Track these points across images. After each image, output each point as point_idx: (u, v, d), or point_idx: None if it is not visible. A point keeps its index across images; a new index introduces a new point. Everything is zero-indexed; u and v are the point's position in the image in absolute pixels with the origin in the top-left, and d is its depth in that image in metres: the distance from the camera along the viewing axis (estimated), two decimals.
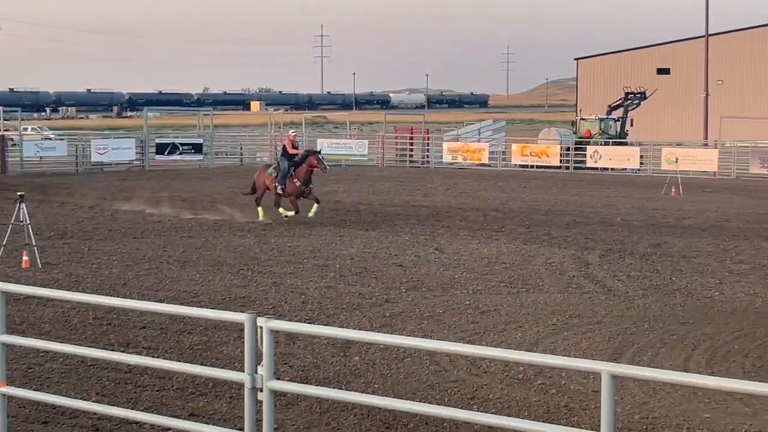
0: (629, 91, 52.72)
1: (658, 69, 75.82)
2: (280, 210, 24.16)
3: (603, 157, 46.97)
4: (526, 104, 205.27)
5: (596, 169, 46.43)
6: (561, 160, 47.57)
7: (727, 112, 55.76)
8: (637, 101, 52.52)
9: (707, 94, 56.25)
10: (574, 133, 51.21)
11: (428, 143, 50.79)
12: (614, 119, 51.70)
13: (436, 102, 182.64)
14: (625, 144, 49.38)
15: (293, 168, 23.94)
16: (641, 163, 46.55)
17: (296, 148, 25.15)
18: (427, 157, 50.13)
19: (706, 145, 50.87)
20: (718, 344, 12.16)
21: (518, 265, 17.99)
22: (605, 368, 5.67)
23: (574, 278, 16.76)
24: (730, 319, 13.57)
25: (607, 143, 48.76)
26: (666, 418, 9.24)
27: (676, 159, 39.93)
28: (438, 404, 9.29)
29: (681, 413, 9.37)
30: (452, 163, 49.02)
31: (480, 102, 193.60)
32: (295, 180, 23.84)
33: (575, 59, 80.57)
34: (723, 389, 8.63)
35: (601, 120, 51.33)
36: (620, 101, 52.52)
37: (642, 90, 52.50)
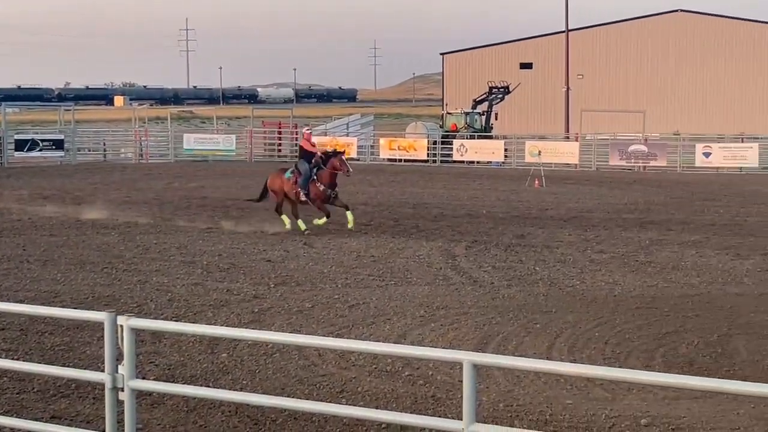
0: (493, 85, 53.63)
1: (521, 63, 77.37)
2: (313, 222, 21.66)
3: (469, 150, 47.69)
4: (393, 99, 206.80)
5: (462, 162, 47.11)
6: (428, 154, 48.13)
7: (588, 105, 57.39)
8: (501, 95, 53.47)
9: (568, 88, 57.69)
10: (441, 127, 51.87)
11: (296, 138, 50.65)
12: (479, 113, 52.52)
13: (304, 96, 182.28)
14: (490, 137, 50.23)
15: (314, 170, 21.58)
16: (506, 156, 47.46)
17: (315, 145, 22.69)
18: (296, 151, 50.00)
19: (567, 138, 52.19)
20: (579, 332, 12.49)
21: (386, 258, 18.11)
22: (466, 357, 5.77)
23: (442, 270, 16.97)
24: (591, 307, 13.95)
25: (472, 137, 49.51)
26: (530, 406, 9.44)
27: (539, 152, 40.83)
28: (307, 399, 9.27)
29: (544, 400, 9.59)
30: None
31: (348, 96, 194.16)
32: (319, 184, 21.40)
33: (441, 54, 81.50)
34: (583, 376, 8.89)
35: (466, 114, 52.07)
36: (485, 95, 53.38)
37: (506, 84, 53.48)
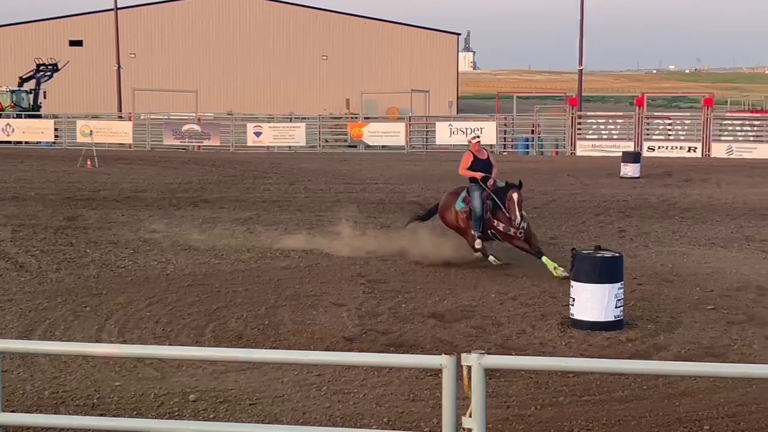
0: (41, 62, 51.54)
1: (71, 41, 74.99)
2: (491, 259, 15.63)
3: (16, 130, 45.51)
4: None
5: (10, 142, 44.83)
6: None
7: (142, 84, 56.90)
8: (49, 73, 51.53)
9: (119, 67, 56.78)
10: None
11: None
12: (27, 91, 50.26)
13: None
14: (39, 117, 48.23)
15: (489, 205, 15.25)
16: (56, 136, 45.84)
17: (489, 160, 15.59)
18: None
19: (120, 117, 51.42)
20: (130, 312, 12.37)
21: None
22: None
23: None
24: (144, 287, 13.88)
25: (20, 116, 47.23)
26: (77, 391, 9.20)
27: (90, 131, 39.85)
28: None
29: (92, 384, 9.39)
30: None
31: None
32: (499, 225, 15.17)
33: None
34: (130, 356, 8.83)
35: (12, 92, 49.60)
36: (32, 73, 51.14)
37: (54, 62, 51.59)
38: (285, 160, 39.29)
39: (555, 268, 14.42)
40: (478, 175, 15.30)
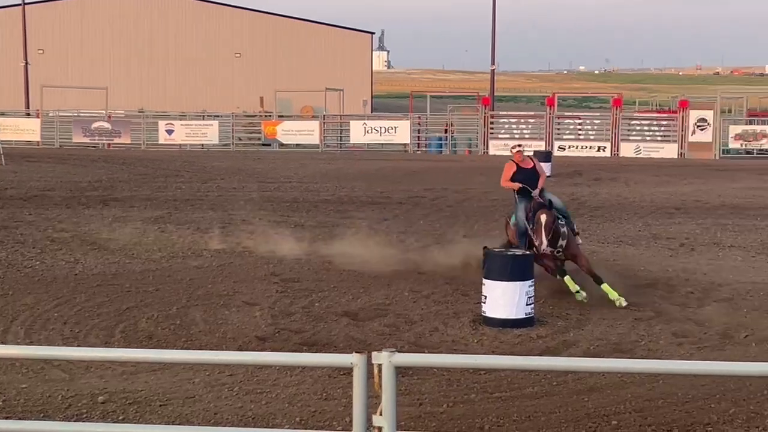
0: None
1: None
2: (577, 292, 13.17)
3: None
4: None
5: None
6: None
7: (51, 81, 55.71)
8: None
9: (27, 63, 55.58)
10: None
11: None
12: None
13: None
14: None
15: (532, 219, 13.55)
16: None
17: (534, 169, 14.32)
18: None
19: (28, 114, 50.32)
20: (37, 313, 12.12)
21: None
22: None
23: None
24: (51, 288, 13.61)
25: None
26: None
27: None
28: None
29: None
30: None
31: None
32: (536, 240, 13.38)
33: None
34: (34, 357, 8.66)
35: None
36: None
37: None
38: (197, 158, 38.90)
39: (617, 299, 12.85)
40: (516, 185, 14.15)
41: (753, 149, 42.22)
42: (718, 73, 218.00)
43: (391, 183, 29.05)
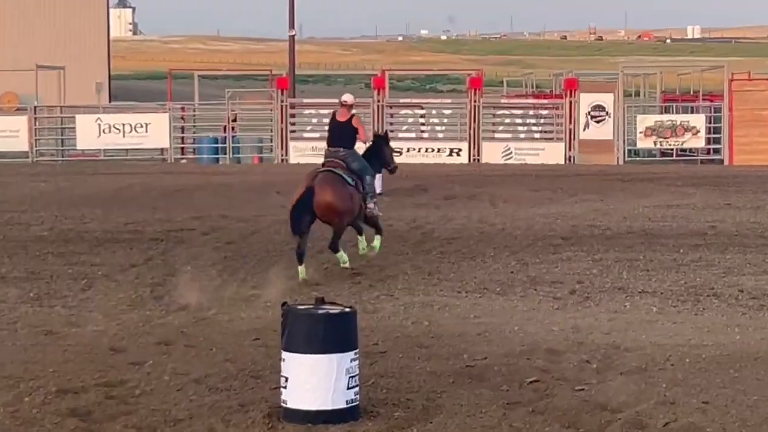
0: None
1: None
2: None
3: None
4: None
5: None
6: None
7: None
8: None
9: None
10: None
11: None
12: None
13: None
14: None
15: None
16: None
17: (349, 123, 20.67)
18: None
19: None
20: None
21: None
22: None
23: None
24: None
25: None
26: None
27: None
28: None
29: None
30: None
31: None
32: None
33: None
34: None
35: None
36: None
37: None
38: None
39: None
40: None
41: (671, 149, 43.56)
42: (620, 39, 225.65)
43: (142, 209, 28.79)
